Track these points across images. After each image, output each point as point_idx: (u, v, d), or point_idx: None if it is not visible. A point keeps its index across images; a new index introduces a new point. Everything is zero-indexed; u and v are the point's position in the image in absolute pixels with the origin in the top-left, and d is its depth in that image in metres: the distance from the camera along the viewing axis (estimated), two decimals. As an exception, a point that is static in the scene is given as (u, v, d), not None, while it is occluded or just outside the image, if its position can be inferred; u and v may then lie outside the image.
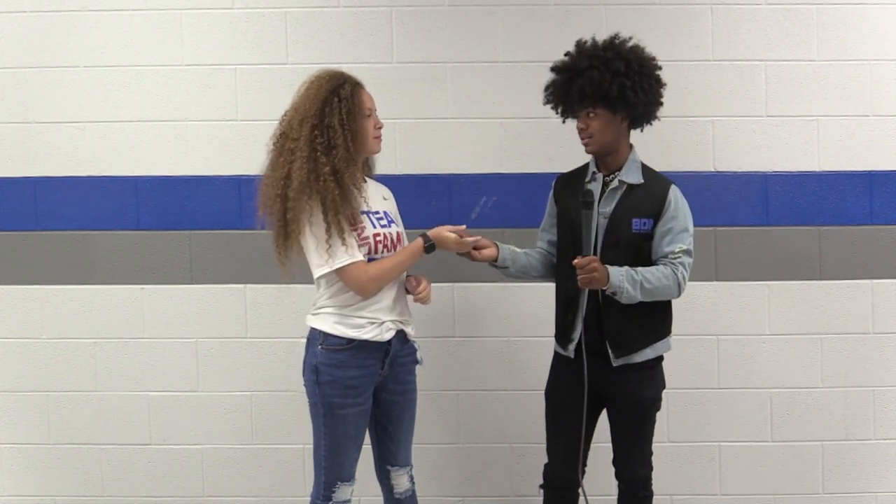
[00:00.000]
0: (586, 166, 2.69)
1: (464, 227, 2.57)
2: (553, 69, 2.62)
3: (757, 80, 3.20)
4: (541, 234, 2.79)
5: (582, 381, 2.52)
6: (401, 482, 2.64)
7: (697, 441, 3.30)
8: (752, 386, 3.27)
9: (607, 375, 2.56)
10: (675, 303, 3.24)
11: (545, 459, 2.74)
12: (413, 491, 2.68)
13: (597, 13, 3.19)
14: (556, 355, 2.72)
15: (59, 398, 3.34)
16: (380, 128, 2.55)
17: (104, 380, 3.32)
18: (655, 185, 2.57)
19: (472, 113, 3.19)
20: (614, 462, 2.71)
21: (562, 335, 2.66)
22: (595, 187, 2.59)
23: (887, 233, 3.21)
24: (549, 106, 2.65)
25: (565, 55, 2.60)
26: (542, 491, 2.75)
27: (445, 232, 2.53)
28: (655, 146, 3.21)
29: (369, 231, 2.47)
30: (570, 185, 2.67)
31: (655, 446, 3.31)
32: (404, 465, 2.64)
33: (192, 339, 3.31)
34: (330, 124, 2.38)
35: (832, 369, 3.26)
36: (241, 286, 3.28)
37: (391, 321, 2.51)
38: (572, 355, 2.61)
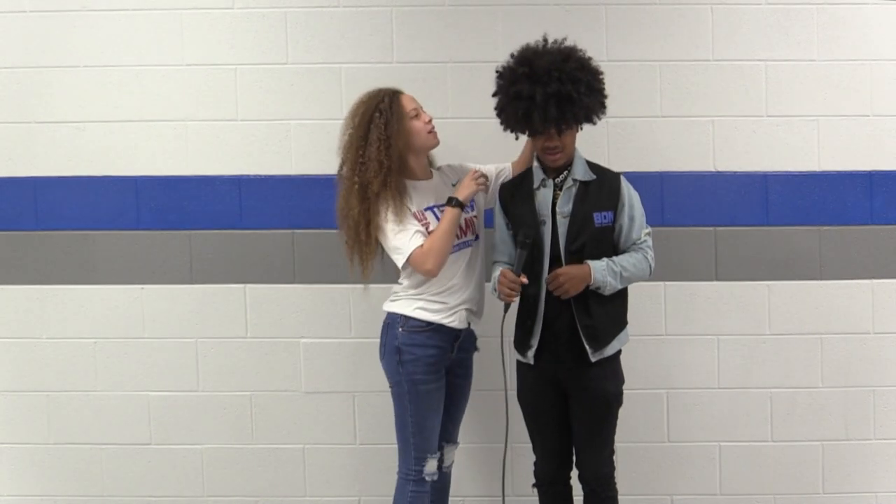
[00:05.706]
0: (529, 172, 2.69)
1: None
2: (510, 97, 2.54)
3: (757, 80, 3.19)
4: (501, 247, 2.73)
5: (548, 383, 2.65)
6: (450, 456, 2.90)
7: (697, 441, 3.29)
8: (752, 386, 3.26)
9: (571, 373, 2.61)
10: (674, 303, 3.24)
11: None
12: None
13: (597, 13, 3.19)
14: (518, 361, 2.74)
15: (59, 398, 3.34)
16: (429, 121, 2.71)
17: (104, 380, 3.32)
18: (607, 179, 2.64)
19: (472, 113, 3.19)
20: (577, 463, 2.74)
21: (521, 342, 2.68)
22: (546, 193, 2.61)
23: (887, 233, 3.21)
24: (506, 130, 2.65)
25: (517, 78, 2.52)
26: (535, 490, 2.83)
27: (463, 183, 2.70)
28: (656, 146, 3.21)
29: (434, 225, 2.66)
30: (517, 195, 2.68)
31: (655, 446, 3.31)
32: (456, 440, 2.92)
33: (192, 339, 3.31)
34: (371, 146, 2.59)
35: (832, 369, 3.25)
36: (241, 286, 3.28)
37: (465, 309, 2.71)
38: (531, 361, 2.65)
